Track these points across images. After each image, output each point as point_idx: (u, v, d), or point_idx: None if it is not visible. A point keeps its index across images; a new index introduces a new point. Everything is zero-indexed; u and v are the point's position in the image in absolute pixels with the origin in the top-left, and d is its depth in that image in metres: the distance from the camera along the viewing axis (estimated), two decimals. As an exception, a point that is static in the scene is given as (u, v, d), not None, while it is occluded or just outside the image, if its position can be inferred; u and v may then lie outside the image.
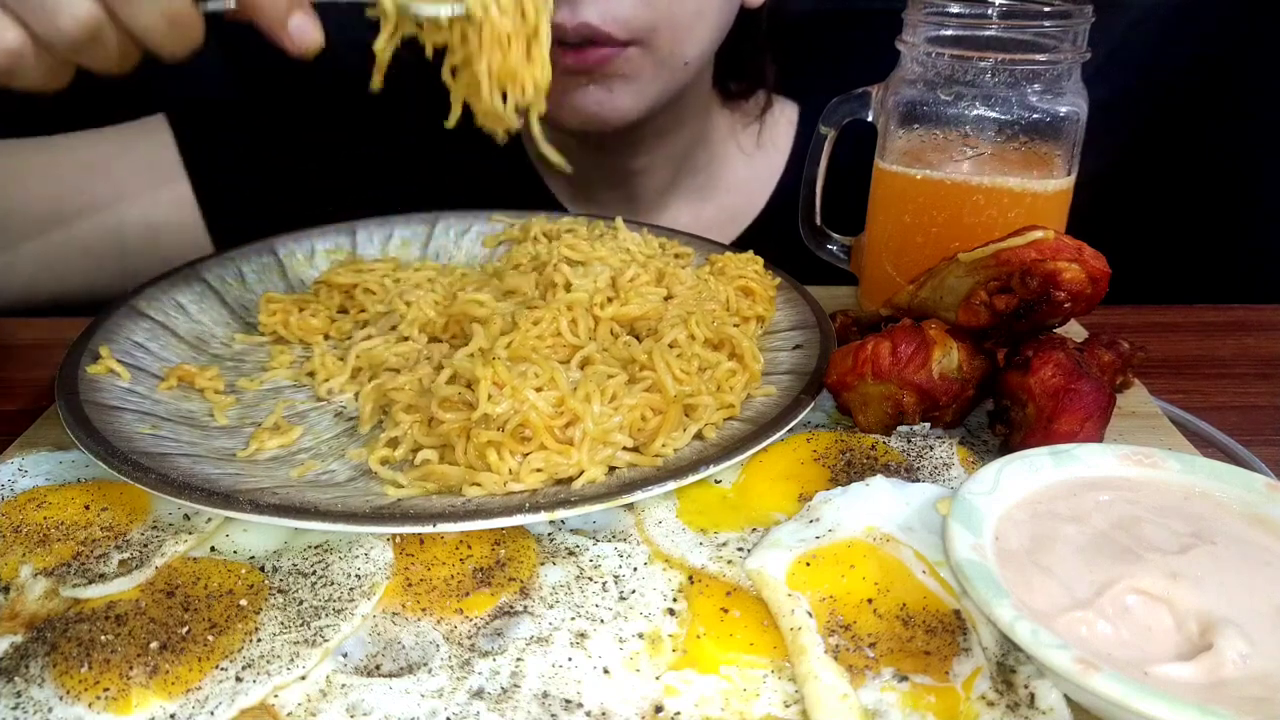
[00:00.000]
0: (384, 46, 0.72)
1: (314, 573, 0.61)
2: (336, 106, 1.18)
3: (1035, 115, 0.88)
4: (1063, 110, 0.88)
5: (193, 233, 1.20)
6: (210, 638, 0.55)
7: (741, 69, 1.23)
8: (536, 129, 0.77)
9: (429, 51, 0.74)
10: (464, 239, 1.06)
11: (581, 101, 1.03)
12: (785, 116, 1.29)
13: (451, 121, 0.78)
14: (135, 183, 1.20)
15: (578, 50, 0.99)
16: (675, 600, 0.60)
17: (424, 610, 0.59)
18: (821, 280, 1.01)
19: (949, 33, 0.88)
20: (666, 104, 1.09)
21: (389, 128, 1.23)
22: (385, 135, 1.24)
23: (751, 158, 1.28)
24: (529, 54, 0.74)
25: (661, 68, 1.04)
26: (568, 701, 0.53)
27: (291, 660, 0.55)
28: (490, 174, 1.13)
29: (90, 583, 0.60)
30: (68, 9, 0.62)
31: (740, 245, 1.00)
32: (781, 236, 1.08)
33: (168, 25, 0.64)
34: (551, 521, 0.66)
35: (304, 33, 0.68)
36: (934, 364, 0.73)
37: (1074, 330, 0.93)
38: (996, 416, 0.75)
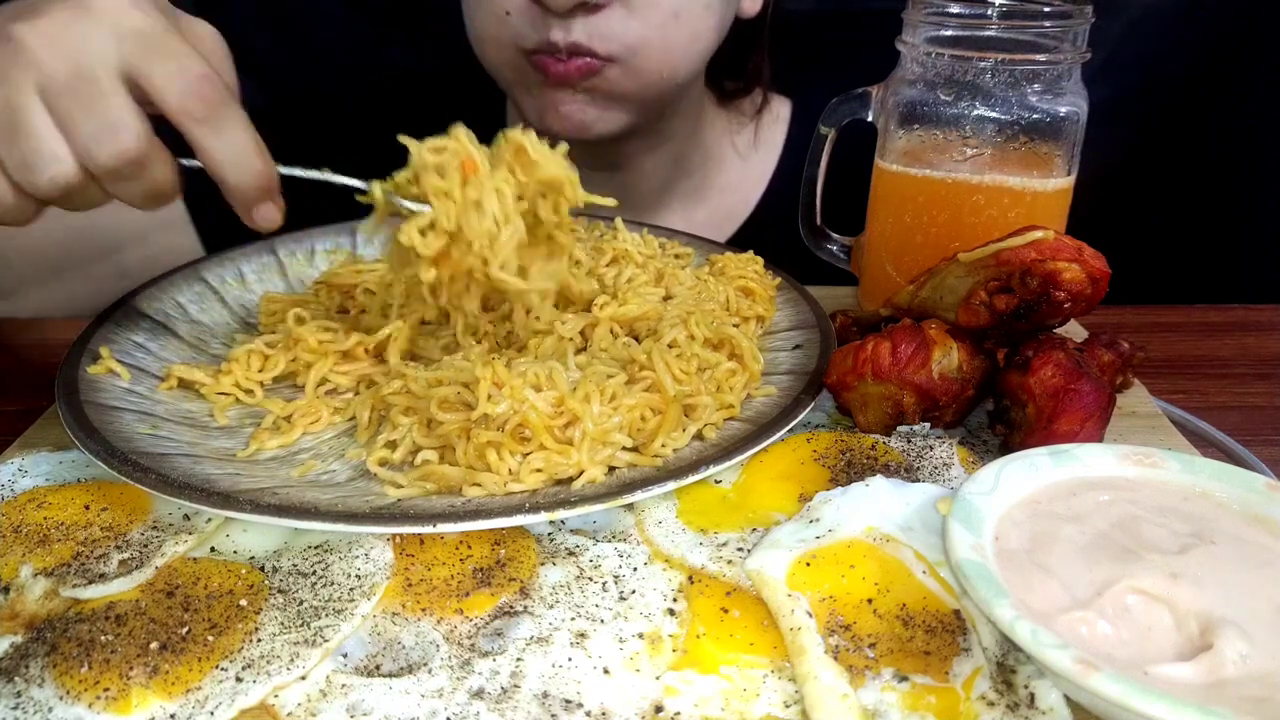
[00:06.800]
0: (371, 230, 0.76)
1: (314, 573, 0.61)
2: (322, 131, 1.19)
3: (1035, 115, 0.88)
4: (1063, 110, 0.88)
5: None
6: (210, 638, 0.55)
7: (737, 69, 1.23)
8: None
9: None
10: (464, 239, 1.05)
11: (568, 111, 1.05)
12: (779, 114, 1.29)
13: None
14: (137, 223, 1.20)
15: (565, 60, 1.01)
16: (675, 600, 0.60)
17: (424, 610, 0.59)
18: (821, 280, 1.01)
19: (949, 33, 0.88)
20: (656, 114, 1.10)
21: (376, 149, 1.23)
22: (372, 157, 1.25)
23: (745, 158, 1.28)
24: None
25: (647, 86, 1.05)
26: (568, 701, 0.53)
27: (291, 660, 0.55)
28: None
29: (90, 583, 0.60)
30: (49, 170, 0.63)
31: (735, 244, 1.00)
32: (776, 234, 1.08)
33: (145, 198, 0.67)
34: (551, 521, 0.66)
35: (267, 220, 0.71)
36: (934, 364, 0.73)
37: (1074, 330, 0.93)
38: (996, 416, 0.75)
